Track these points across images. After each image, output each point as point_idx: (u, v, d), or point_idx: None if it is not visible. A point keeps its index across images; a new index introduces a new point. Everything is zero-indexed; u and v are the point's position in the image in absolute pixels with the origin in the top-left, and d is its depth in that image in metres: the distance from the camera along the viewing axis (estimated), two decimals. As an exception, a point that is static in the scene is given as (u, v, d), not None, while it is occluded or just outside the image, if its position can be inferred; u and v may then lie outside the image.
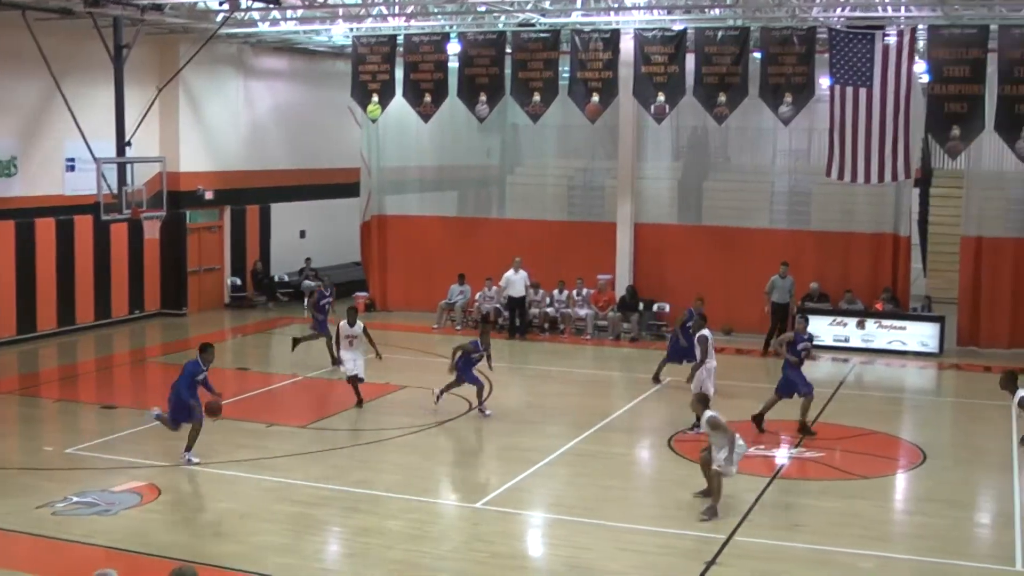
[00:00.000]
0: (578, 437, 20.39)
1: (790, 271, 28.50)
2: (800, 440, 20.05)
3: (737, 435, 16.03)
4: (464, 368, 21.78)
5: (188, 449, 18.32)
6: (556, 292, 31.14)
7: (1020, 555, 14.89)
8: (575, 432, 20.66)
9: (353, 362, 22.32)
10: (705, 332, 21.49)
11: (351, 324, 22.48)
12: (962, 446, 20.56)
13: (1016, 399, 16.27)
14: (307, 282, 33.52)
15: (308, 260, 35.52)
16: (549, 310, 31.22)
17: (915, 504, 17.63)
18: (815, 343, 22.83)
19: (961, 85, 26.55)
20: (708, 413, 16.11)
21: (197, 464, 18.14)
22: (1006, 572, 14.38)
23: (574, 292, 30.97)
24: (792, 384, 20.54)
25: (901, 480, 18.72)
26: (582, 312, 30.60)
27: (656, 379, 24.87)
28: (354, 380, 22.29)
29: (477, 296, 31.90)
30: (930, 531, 15.84)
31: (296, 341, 27.25)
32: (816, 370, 27.14)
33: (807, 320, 22.19)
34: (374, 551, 14.79)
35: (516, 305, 30.58)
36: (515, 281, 30.38)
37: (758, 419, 20.61)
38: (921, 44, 27.48)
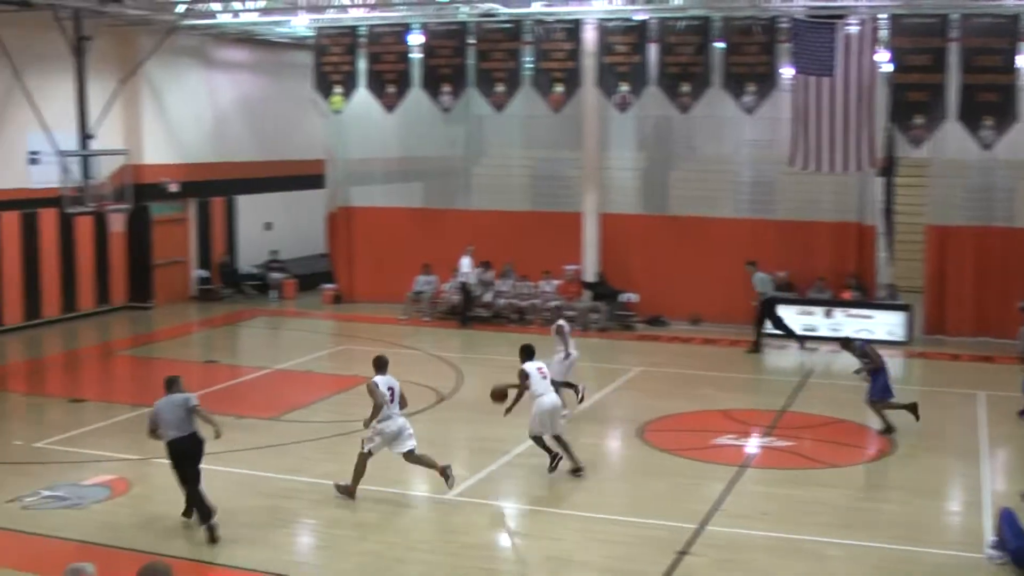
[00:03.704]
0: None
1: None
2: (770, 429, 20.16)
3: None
4: None
5: None
6: (500, 282, 31.19)
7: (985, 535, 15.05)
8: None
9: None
10: (561, 322, 21.44)
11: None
12: (931, 435, 20.54)
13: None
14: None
15: (275, 252, 35.42)
16: (500, 301, 31.21)
17: (883, 492, 17.71)
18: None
19: (923, 74, 26.76)
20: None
21: None
22: (973, 559, 14.32)
23: (542, 282, 31.00)
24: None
25: (870, 469, 18.81)
26: (551, 303, 30.60)
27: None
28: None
29: (444, 287, 31.90)
30: (897, 519, 15.93)
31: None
32: (785, 359, 27.42)
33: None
34: (345, 543, 14.81)
35: (466, 293, 30.73)
36: (466, 268, 30.63)
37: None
38: (883, 33, 27.61)
